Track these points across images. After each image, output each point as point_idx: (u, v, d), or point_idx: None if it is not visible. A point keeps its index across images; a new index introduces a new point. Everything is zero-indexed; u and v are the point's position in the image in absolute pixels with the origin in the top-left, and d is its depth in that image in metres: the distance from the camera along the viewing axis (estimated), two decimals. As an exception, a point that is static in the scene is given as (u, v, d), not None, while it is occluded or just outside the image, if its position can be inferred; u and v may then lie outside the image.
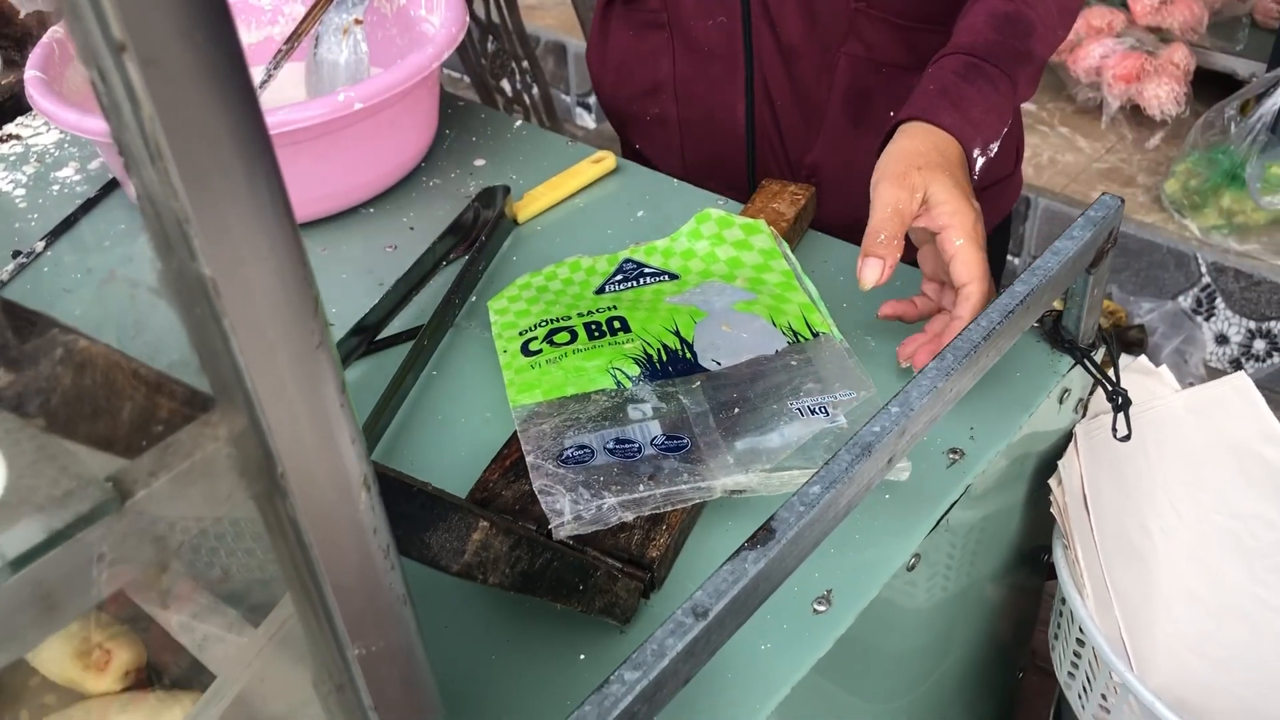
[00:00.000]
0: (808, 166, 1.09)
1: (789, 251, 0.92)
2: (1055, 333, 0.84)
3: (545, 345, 0.83)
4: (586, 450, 0.73)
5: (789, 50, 1.04)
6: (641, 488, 0.69)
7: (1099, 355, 0.86)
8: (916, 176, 0.78)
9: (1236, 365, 2.12)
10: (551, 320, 0.86)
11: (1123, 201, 0.78)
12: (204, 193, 0.29)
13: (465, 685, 0.65)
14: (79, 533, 0.31)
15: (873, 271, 0.77)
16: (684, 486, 0.70)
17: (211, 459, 0.33)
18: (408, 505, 0.53)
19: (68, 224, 1.06)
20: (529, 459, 0.72)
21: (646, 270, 0.92)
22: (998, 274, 1.14)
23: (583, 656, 0.67)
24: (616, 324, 0.84)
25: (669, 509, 0.70)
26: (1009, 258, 2.29)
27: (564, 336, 0.83)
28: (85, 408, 0.33)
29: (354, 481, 0.36)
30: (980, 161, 0.84)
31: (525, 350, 0.83)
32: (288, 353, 0.32)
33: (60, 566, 0.31)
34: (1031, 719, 1.33)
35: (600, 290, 0.90)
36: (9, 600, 0.30)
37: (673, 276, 0.91)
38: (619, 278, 0.91)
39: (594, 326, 0.84)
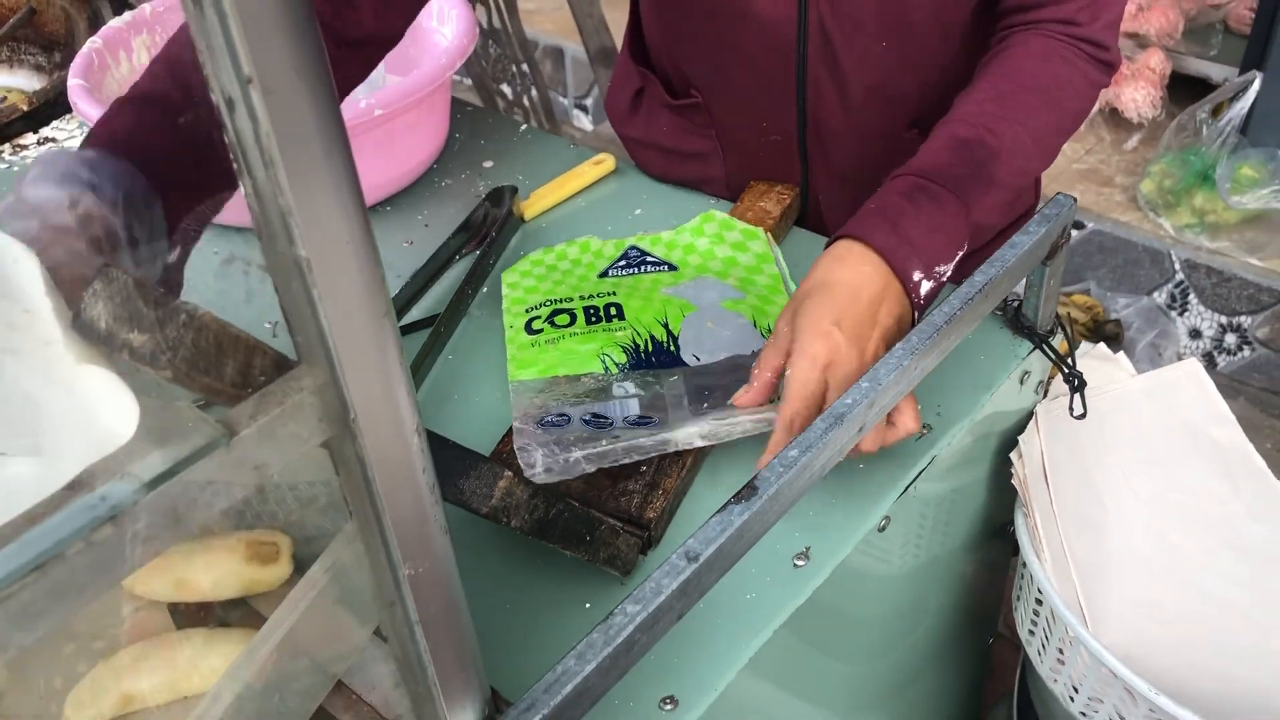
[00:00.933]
0: None
1: (780, 257, 1.00)
2: (1016, 320, 0.92)
3: (547, 325, 0.92)
4: (564, 418, 0.82)
5: (838, 169, 1.07)
6: (605, 443, 0.78)
7: (1058, 341, 0.94)
8: (793, 308, 0.79)
9: (1209, 358, 2.20)
10: (556, 301, 0.95)
11: (1075, 200, 0.86)
12: (303, 191, 0.37)
13: (489, 625, 0.73)
14: (198, 461, 0.39)
15: (745, 400, 0.80)
16: (644, 440, 0.78)
17: (298, 405, 0.41)
18: (445, 455, 0.62)
19: (105, 221, 1.14)
20: (515, 424, 0.81)
21: (649, 259, 1.00)
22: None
23: (588, 605, 0.75)
24: (613, 310, 0.93)
25: (629, 460, 0.78)
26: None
27: (564, 319, 0.92)
28: (201, 362, 0.41)
29: (409, 427, 0.44)
30: (928, 285, 0.81)
31: (529, 329, 0.92)
32: (361, 319, 0.40)
33: (184, 488, 0.39)
34: (1003, 687, 1.41)
35: (604, 274, 0.98)
36: (147, 513, 0.38)
37: (672, 267, 0.99)
38: (623, 263, 1.00)
39: (592, 311, 0.93)
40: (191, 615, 0.69)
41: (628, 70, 1.17)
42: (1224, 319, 2.15)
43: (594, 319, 0.92)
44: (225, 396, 0.42)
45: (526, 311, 0.94)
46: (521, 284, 0.99)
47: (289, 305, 0.40)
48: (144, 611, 0.68)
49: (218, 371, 0.41)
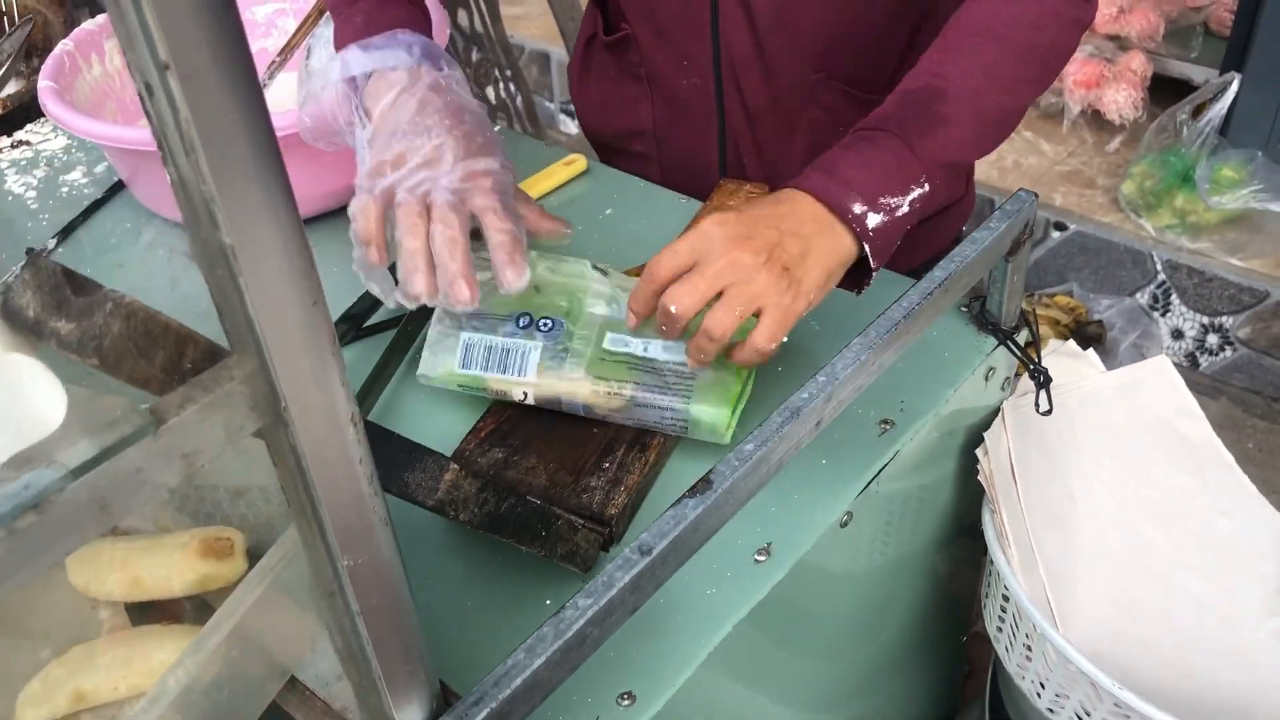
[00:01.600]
0: None
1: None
2: (981, 316, 0.93)
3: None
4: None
5: (754, 112, 1.10)
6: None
7: (1022, 337, 0.94)
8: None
9: (1192, 359, 2.21)
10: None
11: (1036, 196, 0.86)
12: (226, 177, 0.37)
13: (448, 621, 0.73)
14: (125, 449, 0.39)
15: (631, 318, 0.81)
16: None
17: (228, 394, 0.41)
18: (389, 449, 0.62)
19: (77, 224, 1.14)
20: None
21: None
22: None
23: (548, 602, 0.75)
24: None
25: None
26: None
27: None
28: (129, 350, 0.41)
29: (343, 417, 0.44)
30: (876, 217, 0.78)
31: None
32: (290, 307, 0.41)
33: (111, 476, 0.39)
34: (981, 686, 1.41)
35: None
36: (73, 501, 0.38)
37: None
38: None
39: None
40: (149, 614, 0.69)
41: (586, 19, 1.23)
42: (1206, 319, 2.15)
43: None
44: (156, 385, 0.42)
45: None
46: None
47: (217, 293, 0.40)
48: (101, 611, 0.68)
49: (147, 360, 0.41)
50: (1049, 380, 0.93)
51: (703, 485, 0.65)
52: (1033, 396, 0.96)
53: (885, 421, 0.86)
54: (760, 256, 0.74)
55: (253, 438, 0.44)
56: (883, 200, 0.78)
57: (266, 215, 0.38)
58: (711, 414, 0.81)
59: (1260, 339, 2.11)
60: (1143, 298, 2.21)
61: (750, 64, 1.07)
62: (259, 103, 0.37)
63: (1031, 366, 0.93)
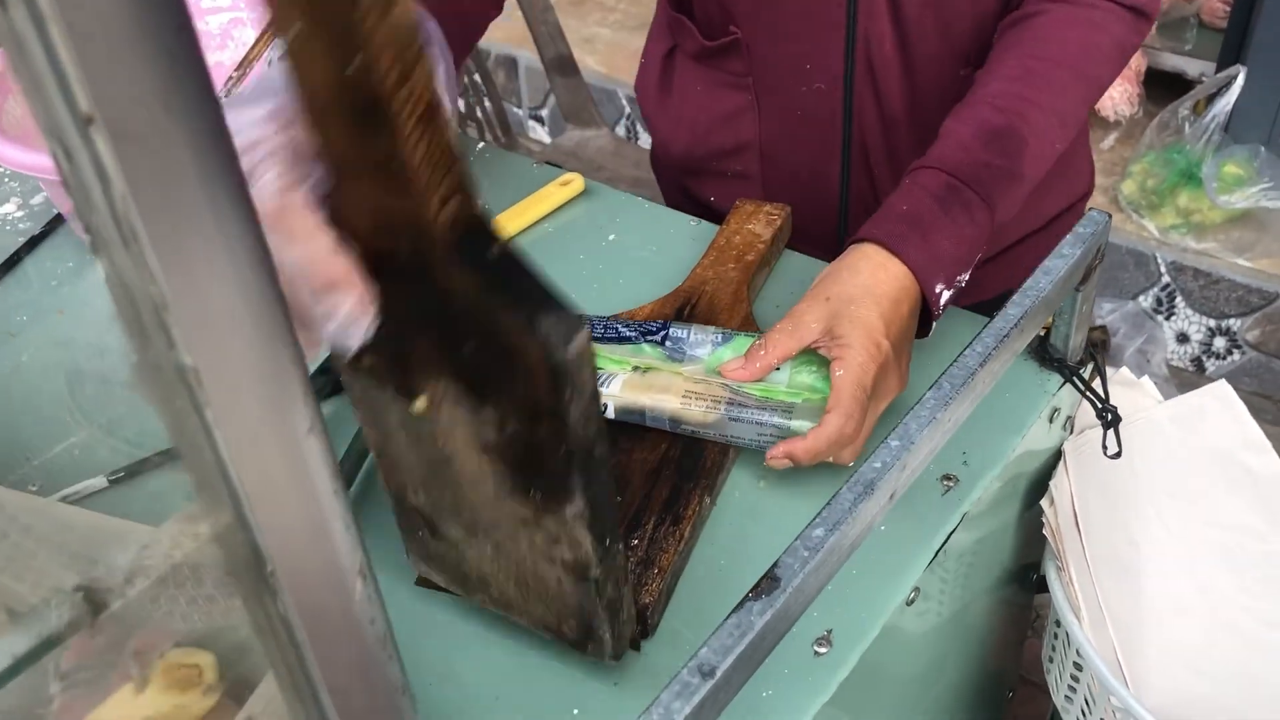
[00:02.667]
0: None
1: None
2: (1043, 351, 0.83)
3: None
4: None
5: (891, 120, 0.99)
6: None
7: (1086, 371, 0.84)
8: (829, 308, 0.76)
9: (1198, 364, 2.13)
10: None
11: (1110, 217, 0.77)
12: (184, 276, 0.26)
13: (455, 748, 0.62)
14: (45, 655, 0.28)
15: (733, 365, 0.77)
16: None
17: (193, 560, 0.30)
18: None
19: (12, 262, 1.02)
20: None
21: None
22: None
23: (576, 712, 0.64)
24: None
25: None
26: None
27: None
28: None
29: (349, 572, 0.33)
30: (946, 294, 0.80)
31: None
32: (276, 442, 0.29)
33: (22, 695, 0.28)
34: (1017, 732, 1.32)
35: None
36: (-28, 738, 0.27)
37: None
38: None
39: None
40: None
41: (660, 29, 1.09)
42: (1212, 322, 2.08)
43: None
44: None
45: None
46: None
47: (174, 430, 0.29)
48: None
49: None
50: (1119, 419, 0.83)
51: (768, 584, 0.54)
52: (1090, 434, 0.86)
53: (948, 478, 0.75)
54: (887, 400, 0.78)
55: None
56: (959, 278, 0.81)
57: (243, 323, 0.27)
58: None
59: (1270, 342, 2.03)
60: (1146, 301, 2.13)
61: (891, 61, 0.94)
62: (231, 166, 0.26)
63: (1100, 405, 0.83)
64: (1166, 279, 2.09)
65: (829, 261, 0.85)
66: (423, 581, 0.70)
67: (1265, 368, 2.06)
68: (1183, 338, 2.12)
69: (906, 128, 0.99)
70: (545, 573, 0.59)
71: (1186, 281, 2.07)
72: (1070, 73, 0.86)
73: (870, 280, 0.77)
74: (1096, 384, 0.86)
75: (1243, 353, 2.07)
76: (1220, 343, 2.09)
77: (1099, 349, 2.20)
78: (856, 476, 0.59)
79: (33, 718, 0.30)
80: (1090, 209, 0.77)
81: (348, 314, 0.49)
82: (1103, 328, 2.25)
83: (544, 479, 0.54)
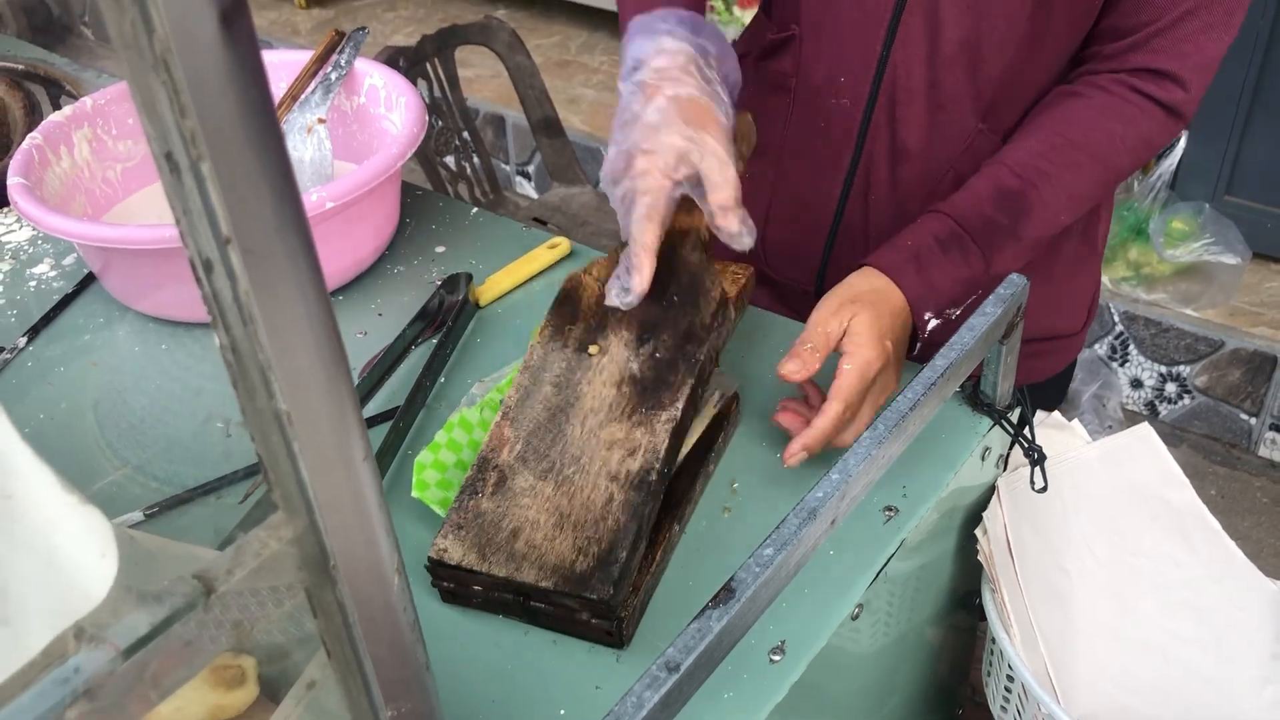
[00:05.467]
0: None
1: None
2: (975, 397, 0.93)
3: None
4: None
5: (901, 152, 1.03)
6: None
7: (1015, 416, 0.95)
8: (849, 310, 0.87)
9: (1151, 408, 2.24)
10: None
11: (1028, 281, 0.87)
12: (282, 346, 0.36)
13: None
14: (175, 623, 0.38)
15: (794, 366, 0.86)
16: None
17: (278, 556, 0.40)
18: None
19: (48, 318, 1.12)
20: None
21: None
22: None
23: (562, 712, 0.74)
24: None
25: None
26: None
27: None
28: None
29: (389, 568, 0.43)
30: (933, 323, 0.92)
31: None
32: (340, 468, 0.40)
33: (161, 653, 0.37)
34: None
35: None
36: (122, 680, 0.36)
37: None
38: None
39: None
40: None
41: (743, 37, 1.16)
42: (1164, 369, 2.19)
43: None
44: None
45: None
46: (441, 494, 0.87)
47: (267, 456, 0.39)
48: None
49: None
50: (1044, 458, 0.94)
51: (725, 594, 0.64)
52: (1024, 471, 0.97)
53: (889, 509, 0.86)
54: (886, 394, 0.90)
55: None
56: (949, 311, 0.92)
57: (321, 380, 0.38)
58: None
59: (1217, 387, 2.15)
60: (1101, 348, 2.25)
61: (916, 94, 0.99)
62: (315, 272, 0.36)
63: (1027, 445, 0.93)
64: (1120, 328, 2.21)
65: (806, 290, 1.04)
66: (433, 568, 0.79)
67: (1214, 411, 2.17)
68: (1136, 383, 2.24)
69: (913, 164, 1.03)
70: (600, 493, 0.80)
71: (1138, 330, 2.19)
72: (1089, 156, 0.95)
73: (879, 294, 0.89)
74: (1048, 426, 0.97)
75: (1193, 398, 2.19)
76: (1171, 388, 2.20)
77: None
78: (801, 504, 0.69)
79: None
80: (1012, 274, 0.88)
81: (637, 290, 0.85)
82: (1060, 374, 2.33)
83: (659, 393, 0.84)
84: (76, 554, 0.40)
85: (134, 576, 0.39)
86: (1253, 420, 2.14)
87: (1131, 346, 2.21)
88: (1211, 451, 2.18)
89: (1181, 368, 2.17)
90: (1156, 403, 2.23)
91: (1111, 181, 0.98)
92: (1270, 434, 2.14)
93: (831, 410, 0.84)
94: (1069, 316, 1.16)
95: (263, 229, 0.34)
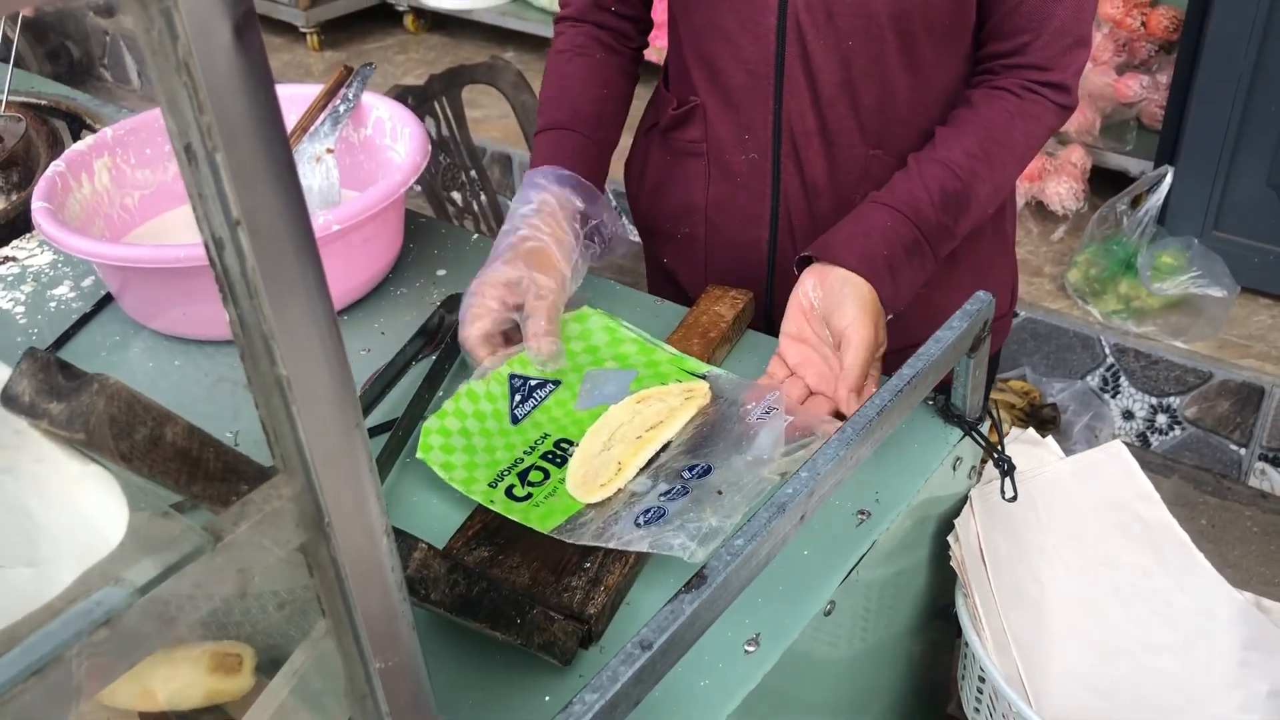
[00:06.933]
0: None
1: (617, 320, 1.08)
2: (946, 408, 0.98)
3: (511, 500, 0.91)
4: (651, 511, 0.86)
5: (811, 188, 1.15)
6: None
7: (987, 427, 0.99)
8: (878, 326, 0.98)
9: (1143, 439, 2.28)
10: (506, 470, 0.94)
11: (994, 297, 0.92)
12: (283, 318, 0.41)
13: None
14: (186, 566, 0.42)
15: (853, 406, 0.93)
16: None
17: (278, 512, 0.45)
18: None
19: (67, 337, 1.17)
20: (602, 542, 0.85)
21: (532, 382, 1.02)
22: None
23: (548, 699, 0.78)
24: (558, 452, 0.96)
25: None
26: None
27: (537, 475, 0.94)
28: (112, 431, 0.44)
29: (378, 529, 0.48)
30: (893, 310, 1.02)
31: (511, 496, 0.92)
32: (335, 430, 0.44)
33: (174, 592, 0.42)
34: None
35: (515, 420, 0.99)
36: (140, 616, 0.41)
37: (555, 383, 1.02)
38: (518, 400, 1.00)
39: (544, 465, 0.95)
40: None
41: (648, 110, 1.31)
42: (1154, 400, 2.23)
43: (554, 464, 0.95)
44: (129, 462, 0.45)
45: (490, 488, 0.92)
46: (457, 464, 0.94)
47: (269, 419, 0.44)
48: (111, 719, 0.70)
49: (128, 437, 0.45)
50: (1013, 468, 0.98)
51: (697, 580, 0.69)
52: (998, 484, 1.01)
53: (862, 512, 0.90)
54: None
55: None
56: (902, 306, 1.04)
57: (317, 349, 0.43)
58: None
59: (1207, 418, 2.19)
60: (1093, 380, 2.29)
61: (811, 138, 1.12)
62: (313, 252, 0.41)
63: (996, 455, 0.98)
64: (1111, 360, 2.25)
65: (755, 328, 1.11)
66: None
67: (1204, 442, 2.21)
68: (1128, 415, 2.28)
69: (824, 197, 1.16)
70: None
71: (1129, 362, 2.23)
72: (1011, 155, 1.07)
73: (859, 289, 0.99)
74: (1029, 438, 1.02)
75: (1183, 429, 2.22)
76: (1162, 419, 2.24)
77: (1050, 425, 2.33)
78: (773, 500, 0.74)
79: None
80: (979, 290, 0.93)
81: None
82: (1053, 405, 2.39)
83: None
84: (94, 508, 0.45)
85: (150, 530, 0.43)
86: (1242, 451, 2.18)
87: (1123, 378, 2.25)
88: (1202, 482, 2.22)
89: (1172, 399, 2.21)
90: (1148, 434, 2.27)
91: (1019, 175, 1.10)
92: (1260, 464, 2.17)
93: (847, 403, 0.93)
94: (996, 303, 1.27)
95: (267, 213, 0.39)
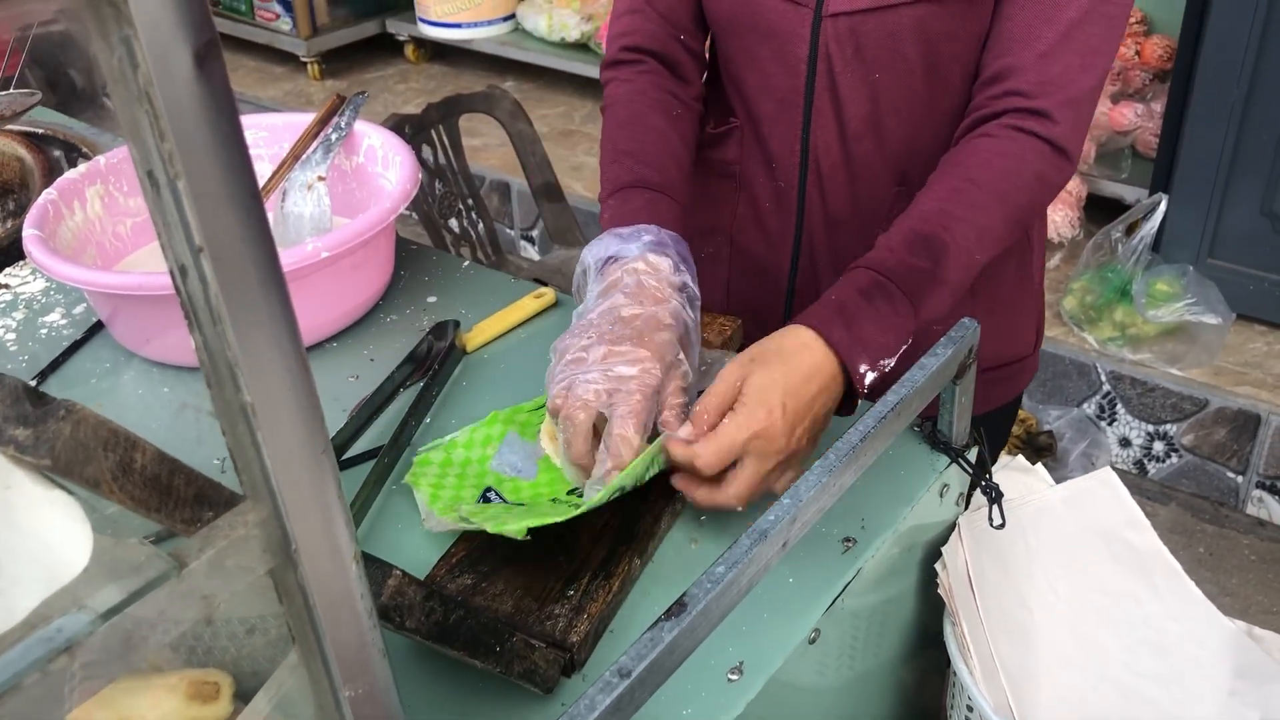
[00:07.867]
0: None
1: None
2: (933, 435, 0.98)
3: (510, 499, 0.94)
4: None
5: (834, 221, 1.15)
6: None
7: (973, 455, 0.99)
8: (746, 370, 0.89)
9: (1140, 466, 2.27)
10: (490, 490, 0.96)
11: (979, 324, 0.92)
12: (248, 344, 0.41)
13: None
14: (150, 592, 0.42)
15: (685, 432, 0.88)
16: None
17: (244, 538, 0.45)
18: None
19: (57, 364, 1.17)
20: None
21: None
22: (996, 448, 1.19)
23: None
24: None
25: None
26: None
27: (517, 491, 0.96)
28: (77, 455, 0.44)
29: (346, 556, 0.48)
30: (871, 375, 0.91)
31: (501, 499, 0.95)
32: (301, 457, 0.44)
33: (137, 619, 0.42)
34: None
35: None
36: (102, 643, 0.41)
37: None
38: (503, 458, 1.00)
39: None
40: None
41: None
42: (1151, 427, 2.23)
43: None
44: (97, 487, 0.45)
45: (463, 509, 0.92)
46: (430, 491, 0.95)
47: (235, 446, 0.44)
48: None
49: (96, 462, 0.45)
50: (1001, 495, 0.98)
51: (677, 608, 0.68)
52: (985, 511, 1.01)
53: (848, 539, 0.90)
54: (793, 457, 0.90)
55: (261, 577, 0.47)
56: (882, 362, 0.92)
57: (283, 375, 0.43)
58: None
59: (1203, 445, 2.18)
60: (1089, 408, 2.29)
61: (837, 170, 1.11)
62: (279, 279, 0.41)
63: (983, 483, 0.97)
64: (1107, 387, 2.25)
65: None
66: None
67: (1201, 470, 2.20)
68: (1125, 442, 2.27)
69: (845, 230, 1.14)
70: None
71: (1125, 390, 2.23)
72: (990, 194, 1.00)
73: (789, 354, 0.90)
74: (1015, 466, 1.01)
75: (1180, 456, 2.22)
76: (1159, 447, 2.23)
77: (1046, 452, 2.33)
78: (755, 526, 0.74)
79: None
80: (964, 318, 0.93)
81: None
82: (1050, 433, 2.39)
83: None
84: (58, 534, 0.45)
85: (113, 555, 0.43)
86: (1239, 478, 2.17)
87: (1119, 406, 2.25)
88: (1200, 510, 2.21)
89: (1168, 426, 2.21)
90: (1145, 461, 2.27)
91: (1016, 219, 1.02)
92: (1257, 492, 2.16)
93: (698, 450, 0.85)
94: (1018, 343, 1.25)
95: (230, 239, 0.39)
